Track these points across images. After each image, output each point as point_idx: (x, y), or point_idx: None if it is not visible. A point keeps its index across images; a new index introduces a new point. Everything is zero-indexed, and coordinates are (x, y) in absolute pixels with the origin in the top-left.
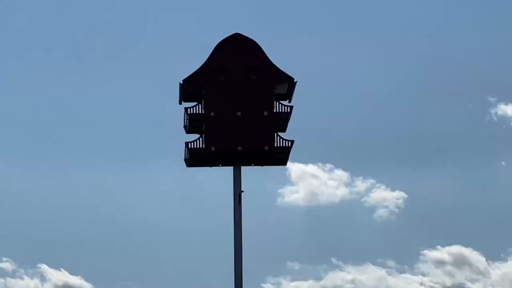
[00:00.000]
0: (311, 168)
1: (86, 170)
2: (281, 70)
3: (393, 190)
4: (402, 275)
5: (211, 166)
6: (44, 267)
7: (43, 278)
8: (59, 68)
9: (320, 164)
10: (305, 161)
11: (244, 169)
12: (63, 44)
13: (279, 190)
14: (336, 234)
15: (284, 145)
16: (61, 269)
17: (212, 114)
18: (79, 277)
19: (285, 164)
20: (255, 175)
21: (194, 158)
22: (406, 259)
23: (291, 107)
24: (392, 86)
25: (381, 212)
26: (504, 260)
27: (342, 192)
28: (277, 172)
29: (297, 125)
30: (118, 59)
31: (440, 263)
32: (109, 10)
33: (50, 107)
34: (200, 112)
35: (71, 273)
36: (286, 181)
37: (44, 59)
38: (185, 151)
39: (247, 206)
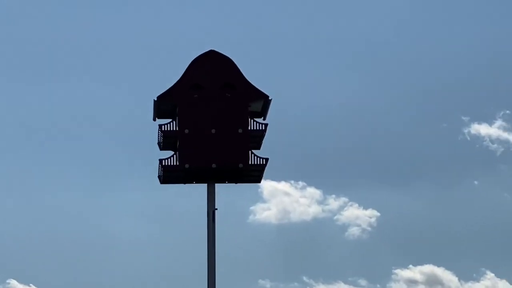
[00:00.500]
0: (283, 185)
1: (58, 185)
2: (256, 88)
3: (365, 208)
4: None
5: (185, 183)
6: (13, 282)
7: None
8: (31, 79)
9: (292, 181)
10: (277, 178)
11: (216, 186)
12: (32, 56)
13: (251, 208)
14: (307, 252)
15: (258, 163)
16: (31, 284)
17: (187, 131)
18: None
19: (259, 181)
20: (226, 192)
21: (168, 175)
22: (378, 278)
23: (266, 125)
24: (366, 105)
25: (353, 230)
26: (476, 280)
27: (314, 210)
28: (249, 189)
29: (270, 142)
30: (92, 74)
31: (412, 282)
32: (85, 22)
33: (24, 119)
34: (174, 129)
35: None
36: (258, 198)
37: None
38: (159, 168)
39: (219, 223)
